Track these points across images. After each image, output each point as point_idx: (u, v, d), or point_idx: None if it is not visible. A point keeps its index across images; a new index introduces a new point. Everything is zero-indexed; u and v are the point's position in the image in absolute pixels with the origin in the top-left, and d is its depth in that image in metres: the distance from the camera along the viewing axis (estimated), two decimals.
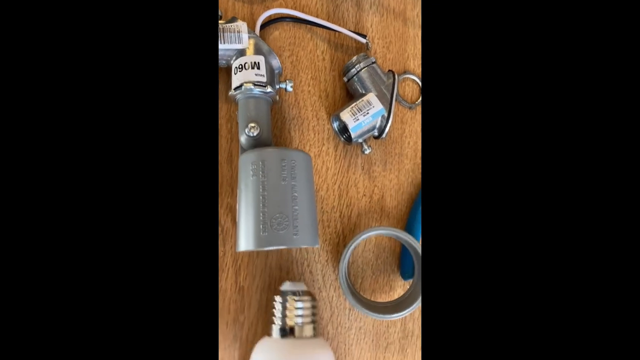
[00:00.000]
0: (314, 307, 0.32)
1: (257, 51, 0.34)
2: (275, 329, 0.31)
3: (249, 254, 0.35)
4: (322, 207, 0.37)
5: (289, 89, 0.36)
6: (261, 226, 0.28)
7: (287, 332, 0.30)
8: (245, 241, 0.29)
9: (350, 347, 0.36)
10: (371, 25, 0.41)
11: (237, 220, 0.30)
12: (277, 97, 0.35)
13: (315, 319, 0.32)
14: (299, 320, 0.30)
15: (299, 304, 0.31)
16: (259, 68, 0.33)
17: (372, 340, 0.37)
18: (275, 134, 0.37)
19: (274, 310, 0.31)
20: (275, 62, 0.35)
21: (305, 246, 0.29)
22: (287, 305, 0.31)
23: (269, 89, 0.33)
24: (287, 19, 0.39)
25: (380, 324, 0.37)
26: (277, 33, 0.39)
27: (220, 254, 0.35)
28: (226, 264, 0.35)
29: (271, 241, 0.28)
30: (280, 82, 0.35)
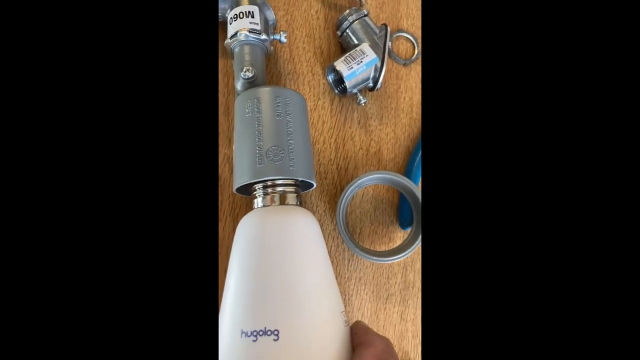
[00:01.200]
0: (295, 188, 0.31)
1: (252, 1, 0.35)
2: (258, 202, 0.30)
3: (246, 202, 0.35)
4: (319, 160, 0.38)
5: (283, 39, 0.36)
6: (257, 159, 0.28)
7: (270, 202, 0.29)
8: (241, 176, 0.29)
9: (351, 298, 0.36)
10: None
11: (234, 157, 0.30)
12: (272, 48, 0.36)
13: (297, 190, 0.31)
14: (281, 188, 0.29)
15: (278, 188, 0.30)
16: (253, 17, 0.34)
17: (373, 291, 0.36)
18: None
19: (254, 193, 0.30)
20: (270, 14, 0.36)
21: (303, 178, 0.29)
22: (269, 189, 0.30)
23: (263, 36, 0.34)
24: None
25: (381, 275, 0.37)
26: None
27: (219, 203, 0.35)
28: (224, 212, 0.35)
29: (267, 172, 0.28)
30: (274, 33, 0.36)
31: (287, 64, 0.39)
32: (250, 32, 0.34)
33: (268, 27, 0.36)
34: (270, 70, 0.38)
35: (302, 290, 0.26)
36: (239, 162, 0.30)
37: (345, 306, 0.35)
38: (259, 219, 0.28)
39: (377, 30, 0.38)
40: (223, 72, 0.37)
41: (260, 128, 0.29)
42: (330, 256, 0.36)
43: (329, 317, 0.26)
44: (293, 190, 0.30)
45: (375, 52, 0.36)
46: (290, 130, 0.30)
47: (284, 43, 0.37)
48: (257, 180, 0.29)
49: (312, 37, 0.40)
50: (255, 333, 0.24)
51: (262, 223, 0.28)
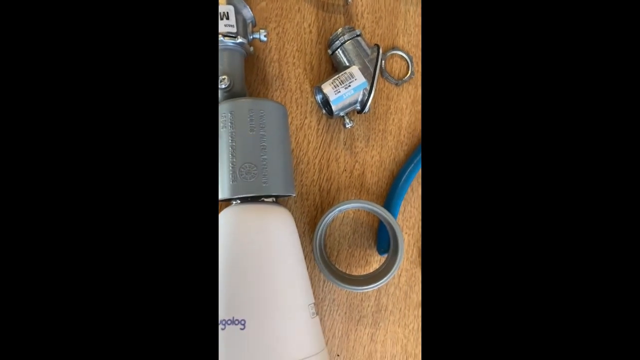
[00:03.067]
0: None
1: (227, 1, 0.33)
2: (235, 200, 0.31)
3: None
4: (301, 180, 0.38)
5: (263, 38, 0.35)
6: (231, 175, 0.29)
7: (248, 199, 0.30)
8: (220, 190, 0.30)
9: (323, 318, 0.37)
10: None
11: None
12: (251, 48, 0.35)
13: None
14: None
15: None
16: (228, 18, 0.33)
17: (345, 312, 0.37)
18: None
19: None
20: (247, 12, 0.34)
21: (278, 194, 0.30)
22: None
23: (239, 39, 0.33)
24: None
25: (355, 297, 0.37)
26: (264, 4, 0.39)
27: None
28: None
29: (241, 189, 0.29)
30: (253, 32, 0.35)
31: (276, 80, 0.38)
32: (225, 36, 0.33)
33: (246, 26, 0.34)
34: (257, 86, 0.38)
35: (270, 283, 0.28)
36: (219, 176, 0.30)
37: None
38: (236, 215, 0.29)
39: (369, 52, 0.37)
40: None
41: (234, 144, 0.29)
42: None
43: (295, 309, 0.28)
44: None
45: (365, 76, 0.36)
46: (264, 145, 0.30)
47: (264, 42, 0.36)
48: (232, 197, 0.29)
49: (303, 52, 0.39)
50: (224, 322, 0.26)
51: (238, 219, 0.29)
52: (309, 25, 0.39)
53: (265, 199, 0.31)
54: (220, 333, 0.26)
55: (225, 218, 0.29)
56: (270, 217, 0.29)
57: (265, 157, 0.29)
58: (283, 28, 0.39)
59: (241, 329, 0.25)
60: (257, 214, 0.29)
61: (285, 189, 0.30)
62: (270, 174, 0.29)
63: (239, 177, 0.29)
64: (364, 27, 0.40)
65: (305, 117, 0.38)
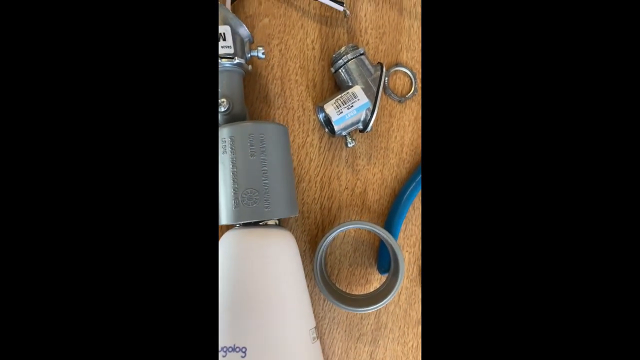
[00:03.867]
0: None
1: (223, 21, 0.33)
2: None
3: None
4: (302, 199, 0.38)
5: (261, 55, 0.35)
6: (233, 202, 0.29)
7: (250, 223, 0.31)
8: (223, 216, 0.30)
9: (322, 337, 0.37)
10: (365, 15, 0.40)
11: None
12: (249, 67, 0.35)
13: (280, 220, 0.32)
14: None
15: None
16: (225, 39, 0.33)
17: (345, 330, 0.37)
18: None
19: None
20: (243, 31, 0.34)
21: (281, 217, 0.30)
22: None
23: (237, 60, 0.33)
24: None
25: (354, 315, 0.38)
26: (267, 20, 0.38)
27: None
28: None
29: (244, 216, 0.29)
30: (251, 50, 0.35)
31: (278, 97, 0.38)
32: (223, 57, 0.32)
33: (243, 45, 0.34)
34: (259, 105, 0.38)
35: (272, 310, 0.28)
36: (221, 201, 0.30)
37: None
38: (237, 239, 0.29)
39: (373, 71, 0.36)
40: None
41: (235, 170, 0.29)
42: None
43: (296, 335, 0.28)
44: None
45: (368, 96, 0.35)
46: (265, 169, 0.30)
47: (262, 59, 0.35)
48: (234, 223, 0.30)
49: (306, 69, 0.38)
50: (225, 349, 0.26)
51: (238, 244, 0.29)
52: (312, 42, 0.39)
53: (268, 222, 0.31)
54: None
55: (227, 242, 0.30)
56: (273, 241, 0.30)
57: (266, 181, 0.29)
58: (286, 45, 0.38)
59: (242, 356, 0.26)
60: (259, 238, 0.29)
61: (289, 211, 0.31)
62: (273, 198, 0.29)
63: (241, 203, 0.29)
64: (367, 43, 0.40)
65: (308, 135, 0.38)
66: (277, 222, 0.31)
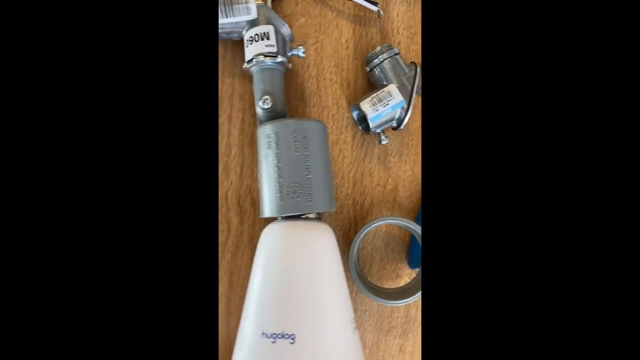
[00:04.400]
0: None
1: (267, 21, 0.34)
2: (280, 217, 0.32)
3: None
4: (336, 194, 0.39)
5: (301, 54, 0.36)
6: (278, 195, 0.30)
7: (293, 215, 0.32)
8: (267, 209, 0.31)
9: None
10: (397, 15, 0.41)
11: (259, 187, 0.32)
12: (290, 65, 0.36)
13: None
14: None
15: None
16: (268, 38, 0.34)
17: (376, 323, 0.38)
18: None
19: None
20: (285, 30, 0.35)
21: (322, 210, 0.31)
22: None
23: (279, 59, 0.34)
24: None
25: (385, 308, 0.39)
26: (303, 20, 0.39)
27: (238, 232, 0.37)
28: (242, 241, 0.37)
29: (288, 208, 0.30)
30: (292, 49, 0.36)
31: (314, 95, 0.39)
32: (266, 56, 0.34)
33: (285, 44, 0.35)
34: (296, 102, 0.38)
35: (318, 299, 0.29)
36: (265, 194, 0.31)
37: None
38: (282, 232, 0.31)
39: (407, 70, 0.37)
40: (248, 101, 0.38)
41: (280, 165, 0.30)
42: None
43: (341, 324, 0.29)
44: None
45: (402, 94, 0.36)
46: (308, 165, 0.31)
47: (302, 57, 0.36)
48: (278, 215, 0.31)
49: (340, 68, 0.39)
50: (274, 335, 0.27)
51: (284, 236, 0.31)
52: (347, 41, 0.40)
53: (309, 215, 0.32)
54: (271, 346, 0.27)
55: (272, 234, 0.31)
56: (316, 234, 0.31)
57: (309, 176, 0.30)
58: (321, 44, 0.39)
59: (291, 343, 0.27)
60: (304, 231, 0.31)
61: (328, 205, 0.32)
62: (315, 192, 0.30)
63: (286, 197, 0.30)
64: (399, 43, 0.40)
65: (341, 133, 0.39)
66: (317, 215, 0.32)
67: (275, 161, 0.30)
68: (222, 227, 0.37)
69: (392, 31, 0.41)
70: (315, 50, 0.39)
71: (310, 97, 0.39)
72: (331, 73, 0.39)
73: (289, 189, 0.30)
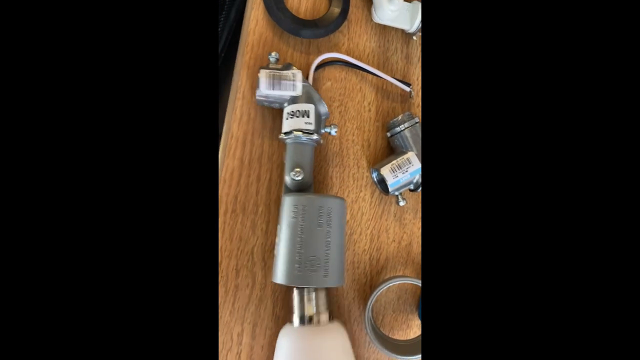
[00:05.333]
0: (326, 296, 0.35)
1: (308, 99, 0.37)
2: (295, 318, 0.35)
3: (286, 288, 0.39)
4: (354, 249, 0.41)
5: (333, 133, 0.39)
6: (297, 265, 0.32)
7: (305, 320, 0.34)
8: (281, 276, 0.33)
9: None
10: (417, 78, 0.43)
11: (276, 251, 0.34)
12: (322, 141, 0.38)
13: (329, 307, 0.35)
14: (314, 309, 0.34)
15: (313, 295, 0.34)
16: (308, 117, 0.36)
17: None
18: (318, 180, 0.40)
19: (293, 302, 0.35)
20: (323, 109, 0.38)
21: (333, 286, 0.33)
22: (305, 297, 0.34)
23: (315, 136, 0.36)
24: (338, 63, 0.41)
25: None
26: (329, 84, 0.41)
27: (262, 285, 0.39)
28: (265, 295, 0.39)
29: (304, 281, 0.32)
30: (325, 126, 0.38)
31: (336, 156, 0.41)
32: (304, 133, 0.36)
33: (321, 122, 0.38)
34: (319, 162, 0.41)
35: None
36: (281, 261, 0.33)
37: None
38: (296, 339, 0.34)
39: None
40: (275, 162, 0.40)
41: (303, 236, 0.33)
42: (354, 338, 0.41)
43: None
44: (325, 308, 0.34)
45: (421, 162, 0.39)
46: (329, 240, 0.33)
47: (334, 136, 0.39)
48: (291, 285, 0.33)
49: (362, 130, 0.42)
50: None
51: (298, 341, 0.33)
52: (369, 104, 0.42)
53: (322, 315, 0.34)
54: None
55: (286, 341, 0.33)
56: (328, 338, 0.33)
57: (328, 251, 0.33)
58: (345, 107, 0.41)
59: None
60: (316, 337, 0.33)
61: (339, 281, 0.34)
62: (331, 268, 0.33)
63: (304, 268, 0.32)
64: (419, 105, 0.43)
65: (360, 191, 0.41)
66: (328, 314, 0.35)
67: (299, 232, 0.33)
68: (247, 280, 0.39)
69: (411, 92, 0.43)
70: (340, 113, 0.41)
71: (332, 158, 0.41)
72: (353, 135, 0.41)
73: (307, 262, 0.32)
